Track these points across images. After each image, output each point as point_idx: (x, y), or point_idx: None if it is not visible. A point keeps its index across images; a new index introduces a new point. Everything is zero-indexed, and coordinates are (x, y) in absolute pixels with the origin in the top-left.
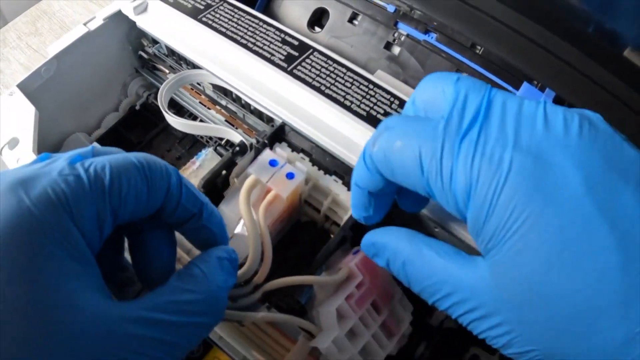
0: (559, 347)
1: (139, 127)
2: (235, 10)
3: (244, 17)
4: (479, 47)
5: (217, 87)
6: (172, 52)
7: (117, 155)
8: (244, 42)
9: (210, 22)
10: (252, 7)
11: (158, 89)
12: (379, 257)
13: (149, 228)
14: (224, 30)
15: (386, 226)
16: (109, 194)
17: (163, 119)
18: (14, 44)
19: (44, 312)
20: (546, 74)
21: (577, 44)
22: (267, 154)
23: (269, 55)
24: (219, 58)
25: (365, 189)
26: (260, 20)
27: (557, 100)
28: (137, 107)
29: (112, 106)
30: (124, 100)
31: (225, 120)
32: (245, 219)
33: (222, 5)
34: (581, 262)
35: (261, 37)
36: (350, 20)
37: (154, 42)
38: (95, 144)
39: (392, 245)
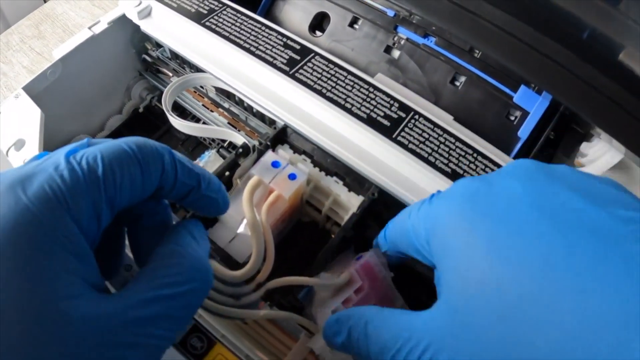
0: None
1: (142, 129)
2: (238, 15)
3: (246, 21)
4: (477, 51)
5: (220, 90)
6: (175, 56)
7: (108, 144)
8: (247, 46)
9: (213, 26)
10: (254, 11)
11: (161, 91)
12: (339, 333)
13: (147, 213)
14: (227, 34)
15: None
16: (103, 184)
17: (166, 121)
18: (17, 47)
19: (43, 308)
20: (543, 77)
21: (573, 48)
22: (269, 156)
23: (271, 59)
24: (223, 62)
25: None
26: (263, 24)
27: (553, 103)
28: (141, 110)
29: (115, 109)
30: (127, 103)
31: (228, 123)
32: (248, 218)
33: (225, 9)
34: (524, 250)
35: (264, 41)
36: (351, 25)
37: (158, 45)
38: (92, 139)
39: (357, 312)
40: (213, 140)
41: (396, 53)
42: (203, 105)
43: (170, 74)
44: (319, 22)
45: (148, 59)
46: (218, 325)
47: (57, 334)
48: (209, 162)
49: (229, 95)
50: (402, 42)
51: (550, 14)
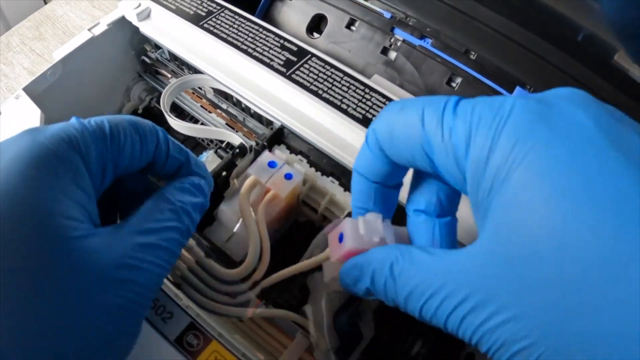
0: (579, 322)
1: None
2: (236, 17)
3: (244, 23)
4: (472, 53)
5: (218, 91)
6: (174, 57)
7: (120, 116)
8: (245, 47)
9: (211, 28)
10: (252, 13)
11: (160, 93)
12: (361, 279)
13: (140, 187)
14: (225, 36)
15: None
16: (110, 140)
17: (165, 122)
18: (17, 48)
19: (49, 222)
20: (538, 78)
21: (567, 50)
22: (266, 156)
23: (268, 61)
24: (221, 63)
25: (368, 177)
26: (260, 26)
27: None
28: (140, 111)
29: (115, 109)
30: (126, 104)
31: (226, 124)
32: (245, 217)
33: (223, 12)
34: (596, 191)
35: (261, 42)
36: (348, 26)
37: (157, 47)
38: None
39: (377, 255)
40: (211, 141)
41: (393, 54)
42: (201, 106)
43: (169, 76)
44: (317, 24)
45: (147, 61)
46: (214, 323)
47: (59, 247)
48: (207, 162)
49: (226, 97)
50: (399, 43)
51: (545, 16)
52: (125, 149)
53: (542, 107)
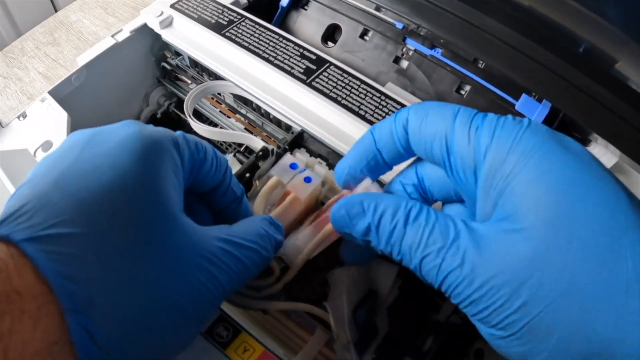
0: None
1: None
2: (257, 27)
3: (264, 32)
4: (481, 62)
5: (237, 97)
6: (194, 64)
7: (193, 136)
8: (266, 56)
9: (233, 37)
10: (269, 22)
11: (179, 98)
12: (364, 217)
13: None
14: (246, 44)
15: None
16: (196, 150)
17: (183, 126)
18: (32, 53)
19: (160, 202)
20: (543, 86)
21: (570, 60)
22: (288, 158)
23: (289, 69)
24: (243, 70)
25: (378, 142)
26: (280, 35)
27: (553, 110)
28: (159, 116)
29: (134, 114)
30: (145, 109)
31: (245, 128)
32: (255, 212)
33: (244, 21)
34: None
35: (281, 51)
36: (362, 36)
37: (177, 54)
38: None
39: (394, 199)
40: (229, 145)
41: (405, 63)
42: (220, 111)
43: (189, 81)
44: (331, 34)
45: (167, 67)
46: (240, 316)
47: (165, 219)
48: None
49: (246, 102)
50: (411, 53)
51: (549, 28)
52: (207, 162)
53: (548, 128)
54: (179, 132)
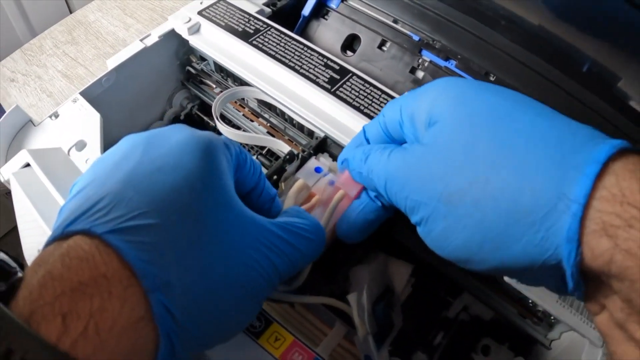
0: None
1: None
2: (282, 36)
3: (290, 42)
4: (492, 75)
5: (261, 102)
6: (220, 69)
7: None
8: (292, 64)
9: (260, 45)
10: (291, 30)
11: (202, 101)
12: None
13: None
14: (273, 53)
15: None
16: (239, 152)
17: (206, 128)
18: (50, 51)
19: (220, 191)
20: (549, 100)
21: (575, 77)
22: (312, 162)
23: (314, 78)
24: (270, 77)
25: (366, 134)
26: (305, 45)
27: None
28: (182, 117)
29: (157, 115)
30: (168, 110)
31: (267, 132)
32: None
33: (269, 30)
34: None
35: (306, 60)
36: (380, 47)
37: (202, 59)
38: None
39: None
40: (251, 147)
41: (420, 74)
42: (243, 115)
43: (214, 86)
44: (350, 43)
45: (192, 71)
46: (268, 309)
47: (229, 212)
48: None
49: (270, 107)
50: (426, 64)
51: (555, 46)
52: (247, 164)
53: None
54: (223, 136)
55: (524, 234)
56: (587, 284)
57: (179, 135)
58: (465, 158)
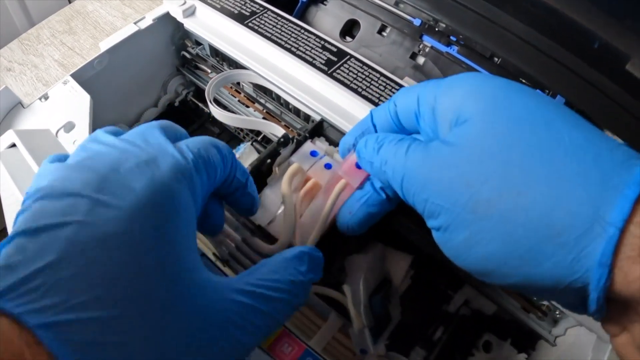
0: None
1: (177, 123)
2: (279, 18)
3: (286, 24)
4: (496, 58)
5: (257, 86)
6: (215, 53)
7: (199, 138)
8: (288, 46)
9: (256, 27)
10: (289, 15)
11: (197, 87)
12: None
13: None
14: (269, 35)
15: None
16: (205, 169)
17: (201, 115)
18: (47, 41)
19: (175, 267)
20: (557, 82)
21: (584, 57)
22: (308, 145)
23: (311, 60)
24: (265, 60)
25: (374, 119)
26: (302, 27)
27: (567, 105)
28: (176, 104)
29: (151, 102)
30: (163, 97)
31: (263, 117)
32: (285, 197)
33: (266, 12)
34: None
35: (303, 42)
36: (380, 32)
37: (197, 43)
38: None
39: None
40: (247, 133)
41: (421, 59)
42: (239, 100)
43: (209, 70)
44: (349, 29)
45: (187, 56)
46: None
47: (187, 292)
48: (244, 153)
49: (265, 91)
50: (427, 49)
51: (564, 25)
52: (218, 174)
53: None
54: (182, 160)
55: (554, 253)
56: (609, 306)
57: (138, 184)
58: (497, 165)
